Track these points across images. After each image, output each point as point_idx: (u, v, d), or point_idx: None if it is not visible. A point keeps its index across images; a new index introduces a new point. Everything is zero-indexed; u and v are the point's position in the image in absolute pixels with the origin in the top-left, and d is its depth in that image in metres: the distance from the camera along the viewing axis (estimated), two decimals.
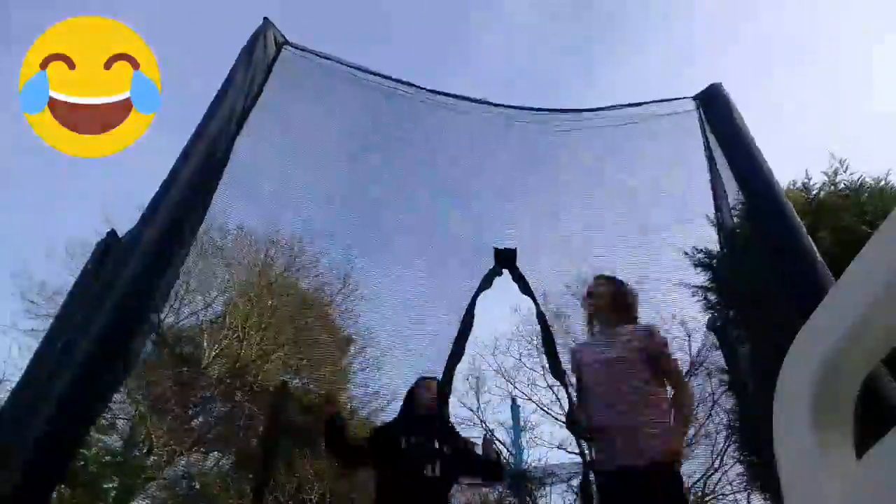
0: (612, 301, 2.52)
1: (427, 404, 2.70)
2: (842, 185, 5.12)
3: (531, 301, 2.94)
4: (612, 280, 2.64)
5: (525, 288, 2.94)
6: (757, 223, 2.85)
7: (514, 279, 2.97)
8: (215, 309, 12.04)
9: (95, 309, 1.93)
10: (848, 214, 4.57)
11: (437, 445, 2.56)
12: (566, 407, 2.69)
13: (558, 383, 2.82)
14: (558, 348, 2.98)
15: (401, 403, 2.86)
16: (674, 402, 2.34)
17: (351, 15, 23.10)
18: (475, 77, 22.39)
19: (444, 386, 2.76)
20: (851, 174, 5.16)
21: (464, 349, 2.88)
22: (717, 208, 3.46)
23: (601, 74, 23.53)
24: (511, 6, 25.41)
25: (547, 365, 2.84)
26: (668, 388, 2.37)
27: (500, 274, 2.99)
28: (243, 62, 2.85)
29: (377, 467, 2.61)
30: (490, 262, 3.06)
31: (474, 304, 2.96)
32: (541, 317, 2.94)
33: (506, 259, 2.97)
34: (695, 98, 3.49)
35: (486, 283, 2.97)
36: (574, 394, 2.52)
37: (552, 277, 3.68)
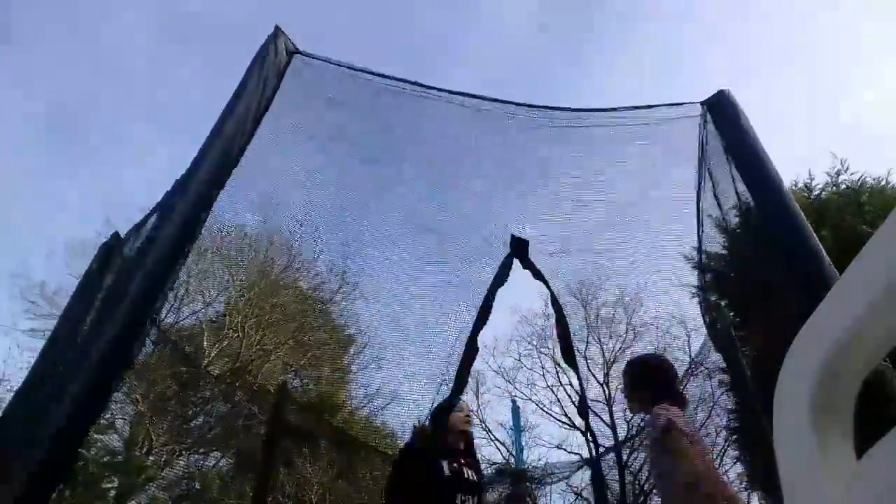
0: (630, 386, 2.36)
1: (461, 429, 2.52)
2: (843, 186, 5.12)
3: (545, 286, 3.04)
4: (629, 363, 2.47)
5: (537, 273, 3.03)
6: (768, 227, 2.85)
7: (524, 266, 3.04)
8: (216, 308, 12.04)
9: (106, 308, 1.94)
10: (849, 214, 4.57)
11: (473, 477, 2.43)
12: (576, 396, 2.70)
13: (570, 369, 2.83)
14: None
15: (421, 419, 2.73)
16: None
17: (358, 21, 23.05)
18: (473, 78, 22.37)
19: (460, 380, 2.74)
20: (852, 174, 5.16)
21: (477, 347, 2.94)
22: (700, 210, 3.47)
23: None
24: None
25: (560, 353, 2.80)
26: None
27: (511, 264, 3.07)
28: (255, 71, 2.83)
29: (409, 491, 2.37)
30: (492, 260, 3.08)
31: (492, 297, 2.98)
32: (555, 302, 3.03)
33: (520, 247, 3.04)
34: (702, 103, 3.50)
35: (503, 273, 3.01)
36: (584, 382, 2.46)
37: (552, 279, 3.66)
